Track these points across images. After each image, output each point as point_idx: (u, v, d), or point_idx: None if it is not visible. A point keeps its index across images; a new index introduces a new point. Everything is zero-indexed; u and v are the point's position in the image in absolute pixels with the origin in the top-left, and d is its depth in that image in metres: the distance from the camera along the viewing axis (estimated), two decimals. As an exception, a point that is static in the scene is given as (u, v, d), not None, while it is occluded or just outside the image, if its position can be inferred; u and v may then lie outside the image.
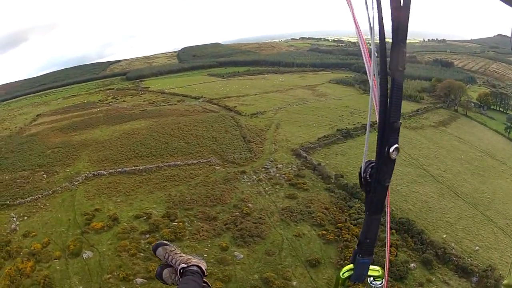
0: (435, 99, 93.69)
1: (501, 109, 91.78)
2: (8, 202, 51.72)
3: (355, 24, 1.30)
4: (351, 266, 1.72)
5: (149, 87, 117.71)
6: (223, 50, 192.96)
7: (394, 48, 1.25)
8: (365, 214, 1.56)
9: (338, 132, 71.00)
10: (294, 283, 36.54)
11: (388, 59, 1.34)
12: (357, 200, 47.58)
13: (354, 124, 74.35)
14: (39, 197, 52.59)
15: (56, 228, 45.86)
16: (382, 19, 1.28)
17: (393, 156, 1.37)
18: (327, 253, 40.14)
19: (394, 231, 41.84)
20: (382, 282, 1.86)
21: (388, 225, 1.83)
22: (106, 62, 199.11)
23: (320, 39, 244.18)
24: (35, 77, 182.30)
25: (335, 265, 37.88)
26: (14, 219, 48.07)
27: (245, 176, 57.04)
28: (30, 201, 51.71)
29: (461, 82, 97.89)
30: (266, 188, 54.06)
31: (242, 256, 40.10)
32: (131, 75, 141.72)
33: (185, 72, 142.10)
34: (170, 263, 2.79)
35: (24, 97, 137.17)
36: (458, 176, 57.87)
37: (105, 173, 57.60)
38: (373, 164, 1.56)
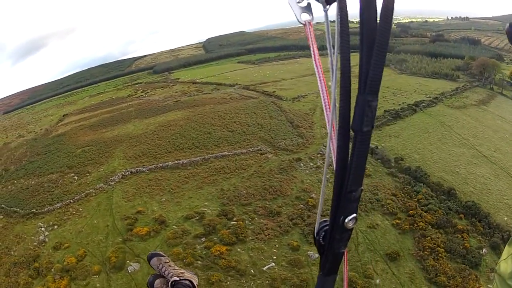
0: (470, 77, 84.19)
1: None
2: (34, 210, 42.12)
3: (317, 68, 1.00)
4: None
5: (179, 78, 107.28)
6: (249, 37, 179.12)
7: (359, 102, 0.94)
8: (318, 274, 1.28)
9: (387, 113, 61.43)
10: (378, 281, 30.09)
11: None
12: (422, 184, 41.18)
13: (399, 105, 65.21)
14: (70, 202, 42.87)
15: (93, 237, 35.95)
16: (349, 64, 0.97)
17: (349, 226, 1.10)
18: (404, 244, 33.57)
19: (462, 215, 36.32)
20: None
21: (345, 282, 1.56)
22: (130, 58, 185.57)
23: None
24: (58, 80, 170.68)
25: (415, 257, 31.94)
26: (43, 229, 38.17)
27: (301, 164, 46.85)
28: (60, 207, 41.89)
29: (495, 60, 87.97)
30: (327, 176, 43.22)
31: (316, 255, 30.45)
32: (158, 68, 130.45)
33: (213, 61, 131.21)
34: (163, 274, 2.58)
35: (48, 99, 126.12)
36: (507, 156, 49.04)
37: (144, 169, 46.92)
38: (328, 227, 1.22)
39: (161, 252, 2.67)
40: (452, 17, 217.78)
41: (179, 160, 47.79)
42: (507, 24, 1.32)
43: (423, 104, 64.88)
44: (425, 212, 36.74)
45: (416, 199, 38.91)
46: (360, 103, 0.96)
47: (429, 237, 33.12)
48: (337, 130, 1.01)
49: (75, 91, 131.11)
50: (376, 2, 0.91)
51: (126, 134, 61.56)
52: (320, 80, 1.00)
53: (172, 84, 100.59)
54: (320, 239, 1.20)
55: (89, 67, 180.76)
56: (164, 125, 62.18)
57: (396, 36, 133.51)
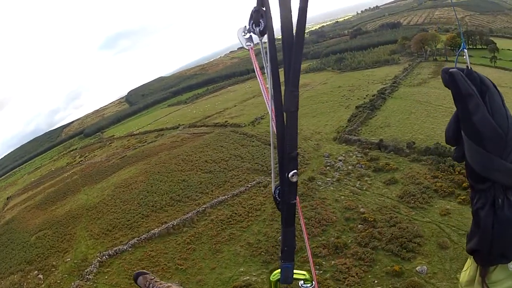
0: (408, 56, 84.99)
1: (470, 46, 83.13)
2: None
3: (258, 75, 1.37)
4: (279, 270, 1.69)
5: (113, 135, 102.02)
6: (169, 81, 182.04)
7: (286, 92, 1.32)
8: (281, 227, 1.54)
9: (360, 108, 57.23)
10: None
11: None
12: (449, 157, 37.17)
13: (364, 98, 61.71)
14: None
15: None
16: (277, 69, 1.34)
17: (293, 179, 1.40)
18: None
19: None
20: (312, 285, 1.84)
21: (305, 235, 1.86)
22: (58, 127, 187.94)
23: (257, 43, 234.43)
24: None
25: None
26: None
27: (318, 182, 38.37)
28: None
29: (433, 32, 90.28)
30: (357, 185, 36.96)
31: (425, 267, 24.86)
32: (89, 130, 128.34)
33: (142, 112, 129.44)
34: None
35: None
36: None
37: (125, 247, 33.51)
38: None
39: (145, 271, 2.71)
40: (362, 11, 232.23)
41: (166, 223, 35.19)
42: (442, 71, 1.46)
43: (388, 91, 61.97)
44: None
45: (458, 172, 34.75)
46: (287, 93, 1.30)
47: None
48: (275, 113, 1.35)
49: (12, 171, 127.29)
50: (292, 19, 1.23)
51: (81, 207, 49.82)
52: (261, 85, 1.33)
53: (109, 142, 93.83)
54: (276, 196, 1.44)
55: (21, 144, 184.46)
56: (122, 186, 50.45)
57: (314, 42, 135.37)
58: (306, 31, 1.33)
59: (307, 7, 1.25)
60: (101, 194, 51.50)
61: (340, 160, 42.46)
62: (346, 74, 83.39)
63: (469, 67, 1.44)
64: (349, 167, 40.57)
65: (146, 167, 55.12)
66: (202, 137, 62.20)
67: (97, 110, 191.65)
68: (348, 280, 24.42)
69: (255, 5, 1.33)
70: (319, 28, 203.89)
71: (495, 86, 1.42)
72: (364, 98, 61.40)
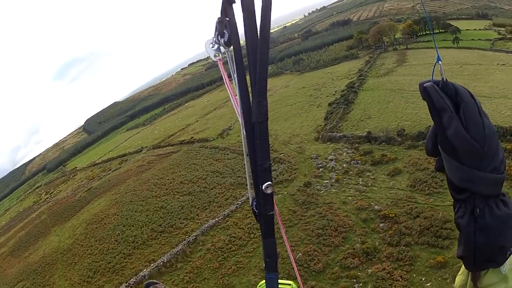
0: (367, 49, 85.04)
1: (427, 32, 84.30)
2: None
3: (227, 87, 1.38)
4: (264, 281, 1.74)
5: (76, 167, 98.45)
6: (124, 105, 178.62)
7: (254, 102, 1.31)
8: (261, 238, 1.59)
9: (333, 105, 54.85)
10: None
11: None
12: None
13: (333, 94, 59.85)
14: None
15: None
16: (245, 80, 1.38)
17: (268, 191, 1.41)
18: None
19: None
20: None
21: (287, 245, 1.87)
22: (22, 165, 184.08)
23: (209, 57, 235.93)
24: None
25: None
26: None
27: (316, 187, 34.47)
28: None
29: (390, 22, 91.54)
30: (360, 182, 33.65)
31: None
32: (50, 165, 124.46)
33: (101, 139, 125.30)
34: None
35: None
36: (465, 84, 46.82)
37: (113, 295, 27.42)
38: None
39: (155, 280, 2.72)
40: (309, 13, 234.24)
41: (154, 260, 29.48)
42: (419, 85, 1.42)
43: (357, 84, 60.49)
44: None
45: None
46: (254, 103, 1.29)
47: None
48: (244, 124, 1.37)
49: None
50: (256, 24, 1.24)
51: (54, 250, 44.42)
52: (231, 95, 1.34)
53: (73, 175, 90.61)
54: (254, 208, 1.46)
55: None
56: (94, 222, 45.04)
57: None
58: None
59: (271, 5, 1.23)
60: (73, 234, 46.02)
61: (332, 160, 39.09)
62: (306, 74, 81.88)
63: (445, 79, 1.38)
64: (344, 165, 37.27)
65: (115, 197, 49.97)
66: (169, 157, 57.46)
67: (57, 143, 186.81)
68: (395, 286, 20.75)
69: (219, 16, 1.31)
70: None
71: (472, 96, 1.35)
72: (334, 94, 59.52)
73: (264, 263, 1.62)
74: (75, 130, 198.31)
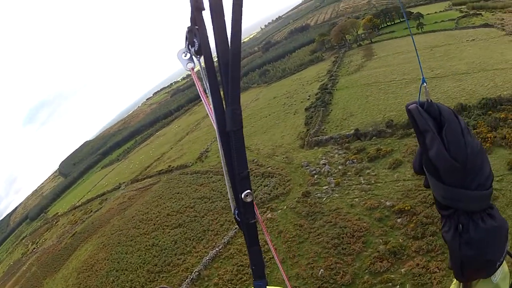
0: (331, 50, 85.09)
1: (388, 23, 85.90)
2: None
3: (202, 97, 1.38)
4: None
5: (57, 213, 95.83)
6: (95, 143, 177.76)
7: (228, 111, 1.32)
8: (246, 247, 1.59)
9: (311, 109, 53.36)
10: None
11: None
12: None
13: (308, 99, 58.62)
14: None
15: None
16: (218, 88, 1.37)
17: (247, 199, 1.41)
18: None
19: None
20: None
21: (273, 251, 1.86)
22: (5, 217, 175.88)
23: (172, 83, 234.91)
24: None
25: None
26: None
27: (317, 194, 32.20)
28: None
29: (352, 18, 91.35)
30: (362, 181, 31.74)
31: None
32: (32, 214, 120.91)
33: (78, 181, 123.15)
34: None
35: None
36: (451, 67, 46.46)
37: None
38: None
39: (166, 286, 2.89)
40: (265, 25, 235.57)
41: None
42: (406, 107, 1.48)
43: (330, 85, 59.40)
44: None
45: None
46: (228, 112, 1.30)
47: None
48: (219, 134, 1.37)
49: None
50: (226, 32, 1.24)
51: None
52: (205, 104, 1.35)
53: (56, 221, 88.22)
54: (236, 216, 1.47)
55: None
56: (84, 270, 41.39)
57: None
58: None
59: (241, 11, 1.22)
60: (65, 285, 42.46)
61: (325, 164, 36.93)
62: (274, 84, 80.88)
63: (429, 100, 1.42)
64: (340, 167, 35.18)
65: (102, 240, 46.69)
66: (150, 189, 54.65)
67: (36, 189, 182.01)
68: (434, 279, 18.79)
69: (189, 25, 1.31)
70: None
71: (455, 115, 1.39)
72: (308, 98, 58.29)
73: (251, 270, 1.59)
74: (51, 174, 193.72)
